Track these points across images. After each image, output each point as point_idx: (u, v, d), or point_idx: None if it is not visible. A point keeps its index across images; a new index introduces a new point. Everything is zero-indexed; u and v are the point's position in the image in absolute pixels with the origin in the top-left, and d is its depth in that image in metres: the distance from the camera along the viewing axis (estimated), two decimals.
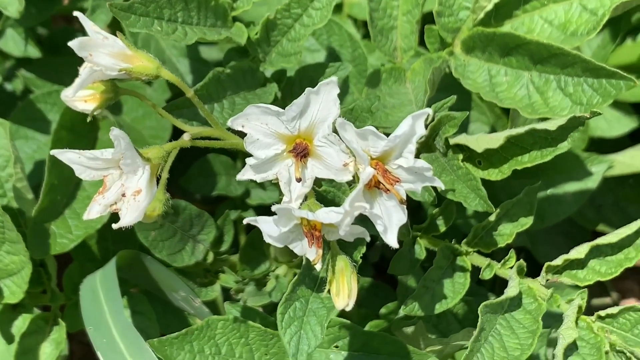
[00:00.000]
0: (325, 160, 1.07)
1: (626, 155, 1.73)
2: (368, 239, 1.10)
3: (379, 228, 1.06)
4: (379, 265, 1.86)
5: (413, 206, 1.44)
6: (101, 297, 1.41)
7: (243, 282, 1.55)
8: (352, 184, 1.09)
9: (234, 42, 1.29)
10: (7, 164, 1.51)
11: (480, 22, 1.33)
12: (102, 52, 1.10)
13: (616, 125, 1.78)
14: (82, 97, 1.13)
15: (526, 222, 1.34)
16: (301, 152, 1.07)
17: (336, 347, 1.37)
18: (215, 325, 1.33)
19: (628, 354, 1.22)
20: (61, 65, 1.71)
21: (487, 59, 1.31)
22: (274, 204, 1.04)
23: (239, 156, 1.64)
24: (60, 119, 1.51)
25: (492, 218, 1.34)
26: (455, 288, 1.33)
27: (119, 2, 1.16)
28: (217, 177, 1.67)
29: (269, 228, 1.06)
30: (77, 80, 1.11)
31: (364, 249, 1.21)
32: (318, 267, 1.09)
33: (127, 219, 1.07)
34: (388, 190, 1.06)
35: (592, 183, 1.65)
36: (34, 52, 1.69)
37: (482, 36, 1.30)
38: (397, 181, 1.06)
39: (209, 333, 1.33)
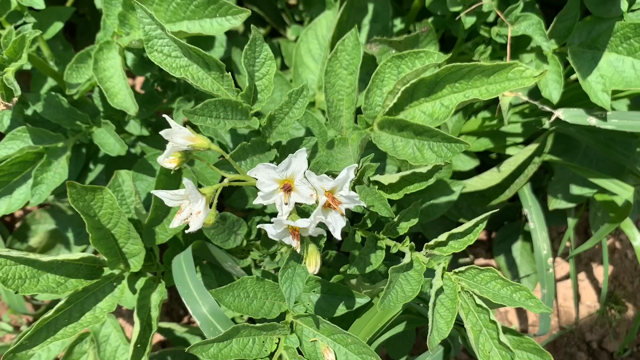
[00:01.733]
0: (300, 193, 1.08)
1: (472, 181, 1.73)
2: (325, 235, 1.11)
3: (330, 229, 1.07)
4: (340, 243, 1.84)
5: (356, 212, 1.43)
6: (184, 266, 1.42)
7: (263, 256, 1.54)
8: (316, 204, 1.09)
9: (252, 127, 1.29)
10: (131, 194, 1.52)
11: (387, 113, 1.32)
12: (178, 136, 1.12)
13: (467, 164, 1.78)
14: (168, 160, 1.14)
15: (414, 221, 1.33)
16: (287, 189, 1.08)
17: (314, 291, 1.37)
18: (247, 281, 1.33)
19: (471, 293, 1.23)
20: (161, 139, 1.68)
21: (391, 133, 1.30)
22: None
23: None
24: (160, 169, 1.51)
25: (395, 219, 1.33)
26: (377, 259, 1.33)
27: (188, 109, 1.16)
28: (248, 198, 1.66)
29: (270, 230, 1.08)
30: (165, 152, 1.12)
31: (324, 240, 1.21)
32: (298, 250, 1.10)
33: (193, 228, 1.08)
34: (335, 208, 1.07)
35: (454, 196, 1.64)
36: (145, 132, 1.69)
37: (388, 121, 1.30)
38: (340, 203, 1.07)
39: (243, 285, 1.33)
